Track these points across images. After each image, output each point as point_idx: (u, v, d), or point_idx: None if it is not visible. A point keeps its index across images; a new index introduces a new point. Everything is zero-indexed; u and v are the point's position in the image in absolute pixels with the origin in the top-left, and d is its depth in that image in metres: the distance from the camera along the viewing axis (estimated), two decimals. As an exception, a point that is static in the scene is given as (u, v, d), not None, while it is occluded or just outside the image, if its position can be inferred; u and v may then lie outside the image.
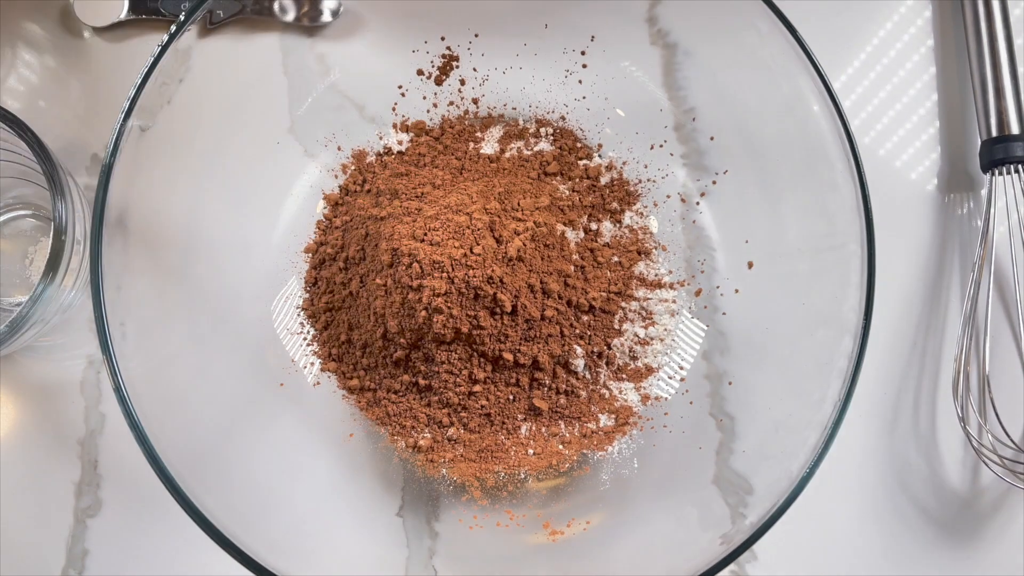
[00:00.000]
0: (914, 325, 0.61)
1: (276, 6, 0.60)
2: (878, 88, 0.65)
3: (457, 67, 0.62)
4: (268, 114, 0.59)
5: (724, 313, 0.58)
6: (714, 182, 0.60)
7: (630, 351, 0.58)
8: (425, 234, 0.53)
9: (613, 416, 0.57)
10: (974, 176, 0.64)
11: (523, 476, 0.55)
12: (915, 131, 0.65)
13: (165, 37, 0.51)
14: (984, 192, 0.63)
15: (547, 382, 0.56)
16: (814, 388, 0.51)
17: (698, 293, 0.59)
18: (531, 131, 0.61)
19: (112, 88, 0.65)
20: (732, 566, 0.48)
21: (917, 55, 0.66)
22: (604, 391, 0.57)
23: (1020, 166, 0.60)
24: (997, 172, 0.60)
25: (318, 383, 0.58)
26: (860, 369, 0.49)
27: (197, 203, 0.56)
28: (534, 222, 0.54)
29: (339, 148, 0.61)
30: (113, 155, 0.50)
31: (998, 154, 0.60)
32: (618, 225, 0.60)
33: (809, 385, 0.52)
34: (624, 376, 0.57)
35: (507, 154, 0.60)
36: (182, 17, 0.52)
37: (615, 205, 0.60)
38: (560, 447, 0.56)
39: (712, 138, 0.60)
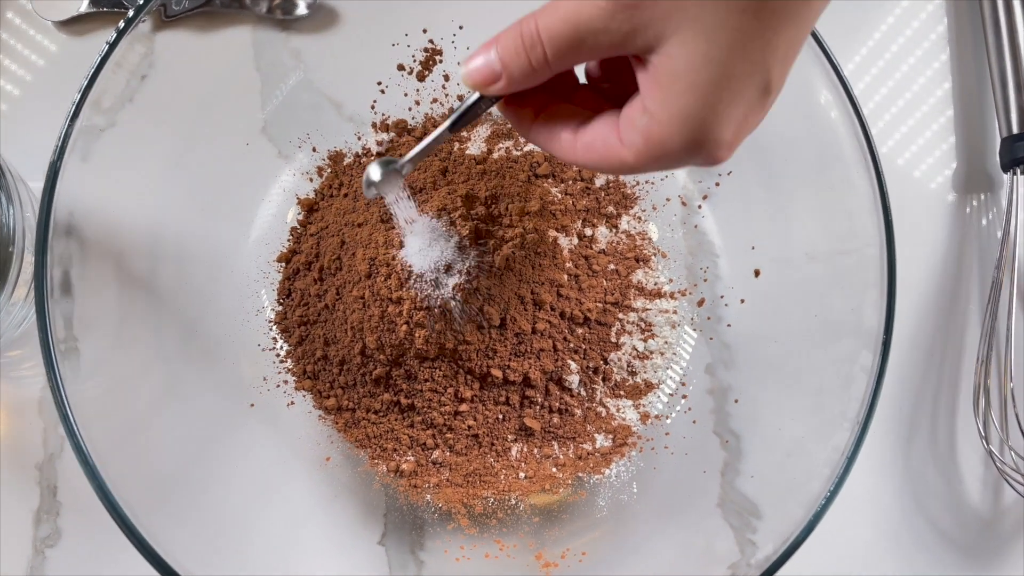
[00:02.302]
0: (930, 335, 0.60)
1: (247, -3, 0.58)
2: (886, 77, 0.63)
3: (440, 61, 0.59)
4: (239, 113, 0.58)
5: (729, 325, 0.57)
6: (717, 184, 0.58)
7: (628, 366, 0.56)
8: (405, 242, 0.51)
9: (610, 436, 0.55)
10: (993, 175, 0.62)
11: (513, 502, 0.54)
12: (926, 121, 0.62)
13: (114, 32, 0.48)
14: (1004, 192, 0.60)
15: (539, 400, 0.54)
16: (829, 407, 0.49)
17: (701, 303, 0.58)
18: (520, 130, 0.58)
19: (75, 86, 0.61)
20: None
21: (927, 41, 0.63)
22: (600, 409, 0.56)
23: (1044, 165, 0.57)
24: (1019, 171, 0.58)
25: (292, 403, 0.56)
26: (881, 386, 0.46)
27: (163, 209, 0.55)
28: (523, 228, 0.52)
29: (314, 149, 0.60)
30: (60, 158, 0.47)
31: (1020, 152, 0.57)
32: (614, 230, 0.58)
33: (823, 404, 0.50)
34: (622, 393, 0.56)
35: (494, 154, 0.59)
36: (132, 11, 0.49)
37: (611, 209, 0.58)
38: (553, 470, 0.54)
39: None
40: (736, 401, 0.55)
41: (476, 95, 0.37)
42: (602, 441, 0.55)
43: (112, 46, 0.47)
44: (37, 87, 0.61)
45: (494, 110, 0.58)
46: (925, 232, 0.61)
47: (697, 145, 0.32)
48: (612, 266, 0.57)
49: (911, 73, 0.62)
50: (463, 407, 0.53)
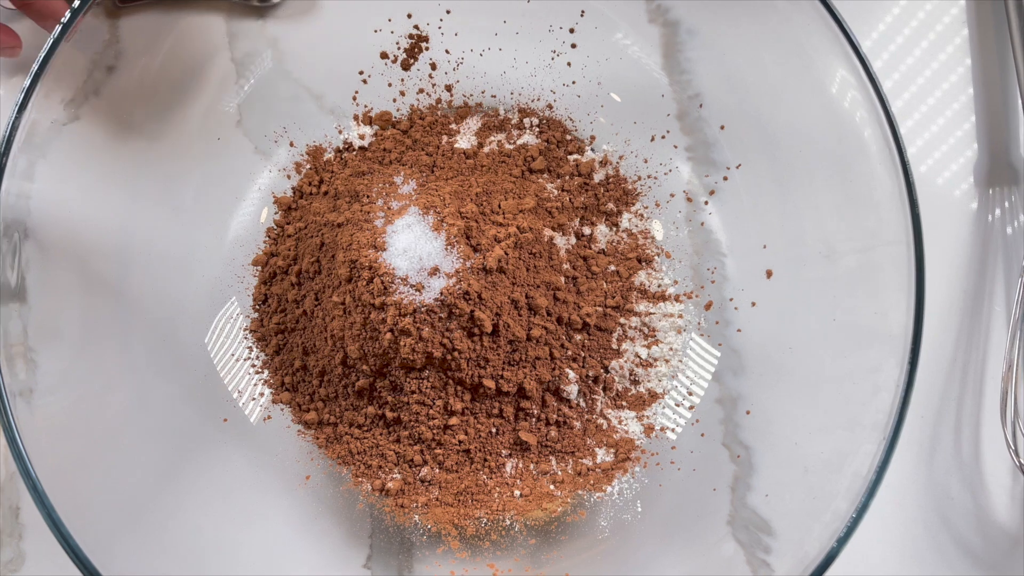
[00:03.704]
0: (953, 338, 0.57)
1: (221, -18, 0.57)
2: (904, 55, 0.60)
3: (427, 49, 0.58)
4: (213, 107, 0.57)
5: (739, 330, 0.55)
6: (725, 178, 0.57)
7: (631, 374, 0.55)
8: (389, 243, 0.50)
9: (612, 450, 0.54)
10: (1018, 168, 0.59)
11: (508, 522, 0.52)
12: (944, 102, 0.60)
13: (66, 16, 0.46)
14: (1031, 186, 0.58)
15: (535, 412, 0.53)
16: (852, 419, 0.47)
17: (708, 306, 0.56)
18: (513, 122, 0.58)
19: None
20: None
21: (948, 17, 0.61)
22: (601, 421, 0.54)
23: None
24: (1049, 162, 0.56)
25: (269, 417, 0.55)
26: (910, 397, 0.44)
27: (132, 210, 0.54)
28: (517, 227, 0.51)
29: (292, 144, 0.58)
30: (6, 153, 0.45)
31: (1051, 143, 0.56)
32: (615, 229, 0.57)
33: (845, 415, 0.47)
34: (624, 403, 0.55)
35: (486, 149, 0.57)
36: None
37: (611, 206, 0.57)
38: (551, 487, 0.53)
39: (722, 127, 0.56)
40: (748, 412, 0.53)
41: None
42: (603, 456, 0.54)
43: (63, 31, 0.45)
44: (19, 84, 0.59)
45: (485, 100, 0.58)
46: (945, 227, 0.58)
47: None
48: (612, 267, 0.56)
49: (931, 49, 0.60)
50: (453, 420, 0.52)
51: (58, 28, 0.45)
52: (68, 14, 0.45)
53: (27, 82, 0.45)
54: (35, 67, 0.45)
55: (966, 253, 0.58)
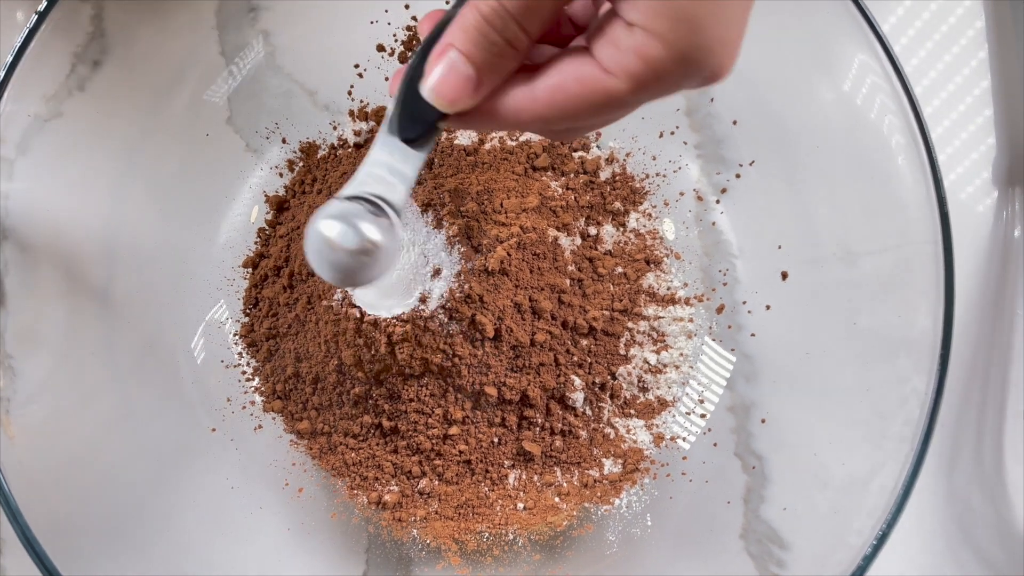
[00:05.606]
0: (974, 343, 0.56)
1: (210, -27, 0.57)
2: (917, 47, 0.60)
3: None
4: (202, 102, 0.57)
5: (753, 334, 0.54)
6: (737, 175, 0.56)
7: (639, 381, 0.54)
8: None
9: (620, 461, 0.53)
10: None
11: (511, 537, 0.52)
12: (961, 93, 0.59)
13: (44, 4, 0.45)
14: (1055, 184, 0.58)
15: (539, 421, 0.53)
16: (874, 431, 0.46)
17: (720, 310, 0.55)
18: (515, 117, 0.57)
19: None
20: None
21: (962, 7, 0.60)
22: (608, 430, 0.54)
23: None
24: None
25: (260, 426, 0.54)
26: (939, 407, 0.42)
27: (117, 209, 0.54)
28: (520, 227, 0.51)
29: (284, 141, 0.58)
30: None
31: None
32: (622, 229, 0.56)
33: (866, 427, 0.46)
34: (632, 412, 0.54)
35: (487, 145, 0.57)
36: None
37: (618, 205, 0.56)
38: (556, 500, 0.52)
39: (735, 122, 0.55)
40: (763, 421, 0.52)
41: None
42: (611, 467, 0.53)
43: (39, 20, 0.44)
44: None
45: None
46: (963, 226, 0.57)
47: (703, 52, 0.29)
48: (619, 269, 0.55)
49: (946, 39, 0.60)
50: (453, 430, 0.52)
51: (33, 17, 0.43)
52: (44, 2, 0.43)
53: (0, 74, 0.43)
54: (9, 58, 0.44)
55: (985, 253, 0.57)
